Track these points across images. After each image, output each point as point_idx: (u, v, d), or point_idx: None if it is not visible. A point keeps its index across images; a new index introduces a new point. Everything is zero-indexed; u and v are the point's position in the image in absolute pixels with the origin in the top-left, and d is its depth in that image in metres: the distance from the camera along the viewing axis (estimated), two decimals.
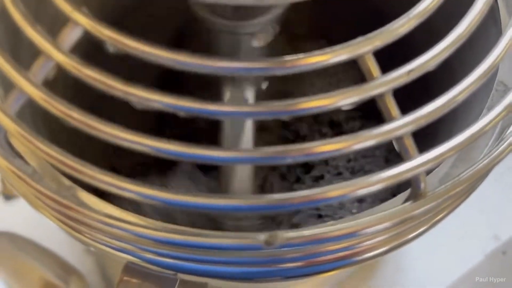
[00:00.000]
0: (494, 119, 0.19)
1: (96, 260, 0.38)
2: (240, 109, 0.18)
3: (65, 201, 0.19)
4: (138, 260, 0.20)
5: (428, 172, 0.21)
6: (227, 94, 0.25)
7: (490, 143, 0.23)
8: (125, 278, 0.21)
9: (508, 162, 0.42)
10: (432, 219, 0.21)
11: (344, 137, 0.17)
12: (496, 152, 0.20)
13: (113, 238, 0.19)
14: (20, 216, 0.35)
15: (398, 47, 0.19)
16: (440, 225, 0.37)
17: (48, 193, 0.19)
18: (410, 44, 0.21)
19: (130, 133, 0.17)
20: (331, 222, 0.19)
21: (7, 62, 0.19)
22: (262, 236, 0.18)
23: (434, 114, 0.18)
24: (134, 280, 0.21)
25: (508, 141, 0.20)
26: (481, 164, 0.19)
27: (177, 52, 0.18)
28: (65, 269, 0.31)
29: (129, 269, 0.21)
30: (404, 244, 0.21)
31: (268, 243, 0.18)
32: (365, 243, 0.20)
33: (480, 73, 0.19)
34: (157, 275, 0.20)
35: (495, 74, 0.24)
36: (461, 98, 0.19)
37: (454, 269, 0.38)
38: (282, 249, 0.19)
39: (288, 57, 0.18)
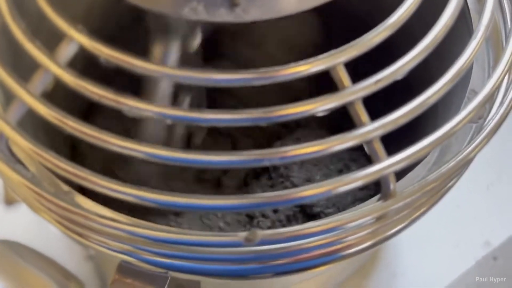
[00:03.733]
0: (457, 124, 0.20)
1: (95, 267, 0.38)
2: (223, 117, 0.19)
3: (62, 203, 0.20)
4: (131, 258, 0.21)
5: (401, 174, 0.22)
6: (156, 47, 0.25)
7: (462, 149, 0.24)
8: (118, 277, 0.22)
9: (497, 172, 0.43)
10: (408, 217, 0.22)
11: (317, 141, 0.19)
12: (461, 156, 0.21)
13: (107, 238, 0.21)
14: (20, 225, 0.36)
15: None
16: (432, 231, 0.39)
17: (46, 195, 0.20)
18: None
19: (121, 139, 0.19)
20: (310, 222, 0.21)
21: (8, 75, 0.20)
22: (242, 234, 0.19)
23: (401, 120, 0.19)
24: (127, 279, 0.22)
25: (471, 147, 0.21)
26: (446, 168, 0.21)
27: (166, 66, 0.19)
28: (64, 276, 0.31)
29: (123, 268, 0.22)
30: (384, 240, 0.22)
31: (248, 240, 0.19)
32: (346, 239, 0.21)
33: (444, 81, 0.20)
34: (149, 274, 0.21)
35: (467, 82, 0.25)
36: (431, 101, 0.20)
37: (446, 274, 0.39)
38: (268, 246, 0.20)
39: (267, 69, 0.19)
